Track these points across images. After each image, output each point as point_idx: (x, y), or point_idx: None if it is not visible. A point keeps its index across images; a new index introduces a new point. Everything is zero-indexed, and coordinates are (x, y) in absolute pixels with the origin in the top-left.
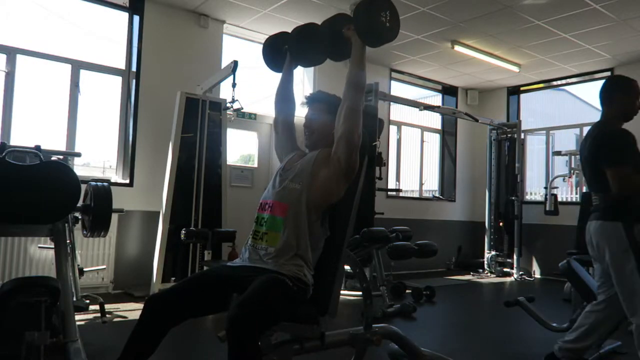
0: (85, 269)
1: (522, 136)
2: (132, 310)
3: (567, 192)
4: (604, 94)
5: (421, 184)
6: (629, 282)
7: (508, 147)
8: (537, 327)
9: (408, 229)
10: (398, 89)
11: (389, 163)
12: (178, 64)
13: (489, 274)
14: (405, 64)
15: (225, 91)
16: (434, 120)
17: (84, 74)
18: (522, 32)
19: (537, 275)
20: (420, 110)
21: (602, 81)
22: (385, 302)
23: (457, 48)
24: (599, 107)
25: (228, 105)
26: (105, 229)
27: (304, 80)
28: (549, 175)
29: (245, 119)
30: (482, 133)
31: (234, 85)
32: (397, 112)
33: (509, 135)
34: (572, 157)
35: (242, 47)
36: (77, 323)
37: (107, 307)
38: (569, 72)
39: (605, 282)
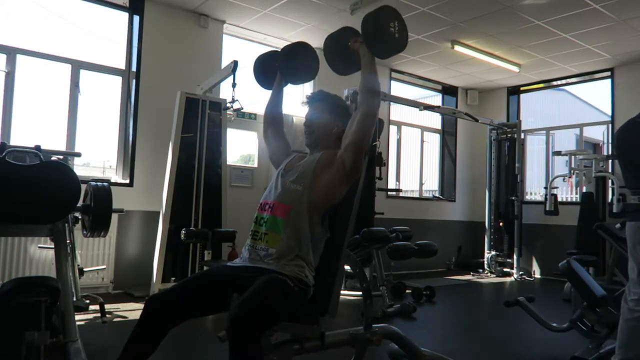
0: (85, 269)
1: (522, 136)
2: (132, 310)
3: (567, 192)
4: None
5: (421, 184)
6: None
7: (508, 147)
8: (537, 327)
9: (408, 229)
10: (398, 89)
11: (389, 163)
12: (178, 64)
13: (489, 274)
14: (405, 64)
15: (225, 91)
16: (434, 120)
17: (84, 74)
18: (522, 32)
19: (537, 275)
20: (420, 110)
21: (602, 81)
22: (385, 302)
23: (457, 48)
24: (599, 107)
25: (228, 105)
26: (105, 229)
27: None
28: (549, 175)
29: (245, 119)
30: (482, 133)
31: (234, 85)
32: (397, 112)
33: (509, 135)
34: (572, 157)
35: (242, 47)
36: (77, 323)
37: (107, 307)
38: (569, 72)
39: None
